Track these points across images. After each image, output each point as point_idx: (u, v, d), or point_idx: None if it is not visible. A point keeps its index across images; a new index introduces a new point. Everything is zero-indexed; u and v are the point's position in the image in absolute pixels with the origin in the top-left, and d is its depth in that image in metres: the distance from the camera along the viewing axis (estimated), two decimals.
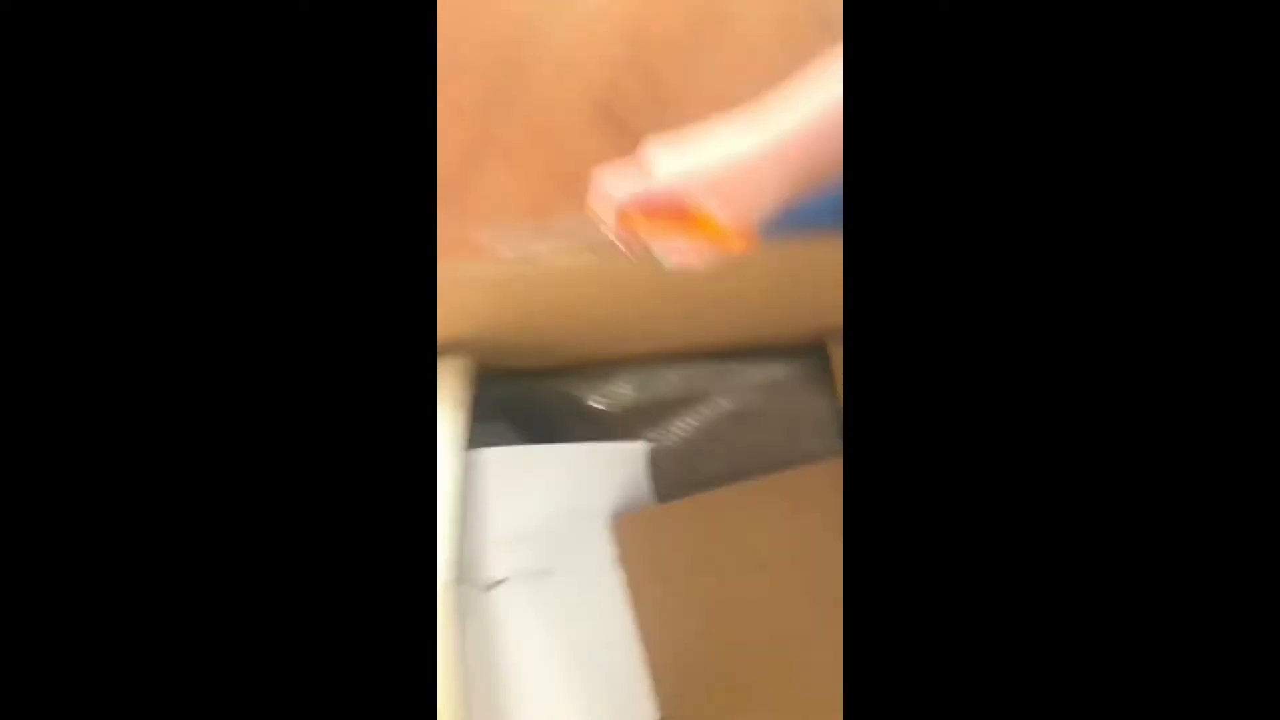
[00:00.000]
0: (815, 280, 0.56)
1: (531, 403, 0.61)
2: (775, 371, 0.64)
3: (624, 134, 1.02)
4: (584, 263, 0.53)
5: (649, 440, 0.61)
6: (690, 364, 0.64)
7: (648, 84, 1.01)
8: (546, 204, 1.05)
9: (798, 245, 0.54)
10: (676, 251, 0.49)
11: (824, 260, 0.50)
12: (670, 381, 0.63)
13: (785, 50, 1.02)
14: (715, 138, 0.47)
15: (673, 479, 0.61)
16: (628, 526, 0.56)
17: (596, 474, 0.56)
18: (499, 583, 0.50)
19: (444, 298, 0.46)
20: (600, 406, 0.62)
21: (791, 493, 0.59)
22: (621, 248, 0.49)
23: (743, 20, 1.02)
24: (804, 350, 0.64)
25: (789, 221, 0.50)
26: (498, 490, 0.52)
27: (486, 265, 0.53)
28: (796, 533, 0.58)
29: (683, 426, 0.63)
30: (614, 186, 0.47)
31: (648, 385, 0.63)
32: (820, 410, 0.64)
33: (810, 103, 0.47)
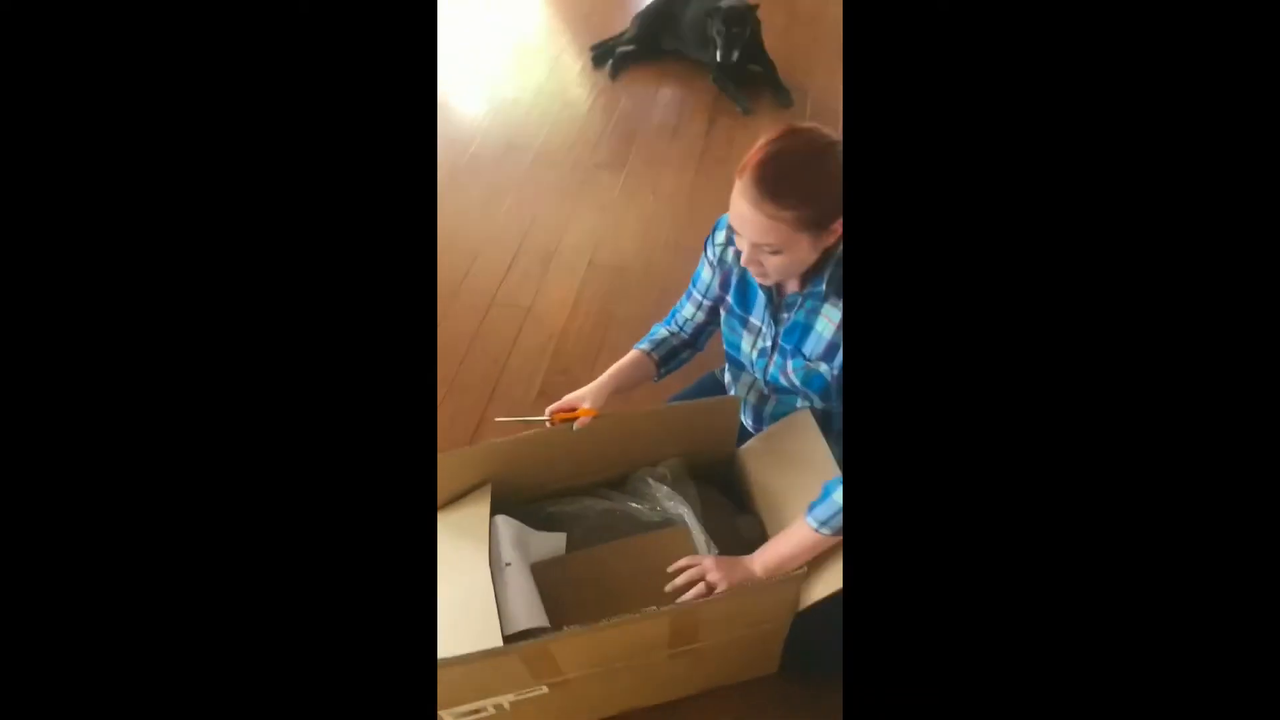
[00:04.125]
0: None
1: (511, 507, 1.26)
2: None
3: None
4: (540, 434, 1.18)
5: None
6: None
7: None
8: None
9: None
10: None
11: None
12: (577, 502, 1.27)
13: None
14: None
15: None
16: (540, 566, 1.16)
17: (542, 543, 1.21)
18: (508, 564, 1.11)
19: (481, 458, 1.18)
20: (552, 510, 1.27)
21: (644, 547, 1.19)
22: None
23: None
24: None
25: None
26: (504, 532, 1.16)
27: (497, 443, 1.17)
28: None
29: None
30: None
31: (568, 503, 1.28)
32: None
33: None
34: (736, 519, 1.24)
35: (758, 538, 1.15)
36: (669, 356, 1.29)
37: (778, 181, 0.92)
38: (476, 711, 1.04)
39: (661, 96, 2.80)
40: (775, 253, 0.97)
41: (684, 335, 1.29)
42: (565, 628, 0.93)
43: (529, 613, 1.04)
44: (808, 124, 0.97)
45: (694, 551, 1.15)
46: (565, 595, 1.11)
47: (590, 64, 2.95)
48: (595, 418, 1.14)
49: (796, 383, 1.15)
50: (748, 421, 1.34)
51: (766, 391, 1.26)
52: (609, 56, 2.92)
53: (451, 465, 1.16)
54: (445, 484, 1.18)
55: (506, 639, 0.97)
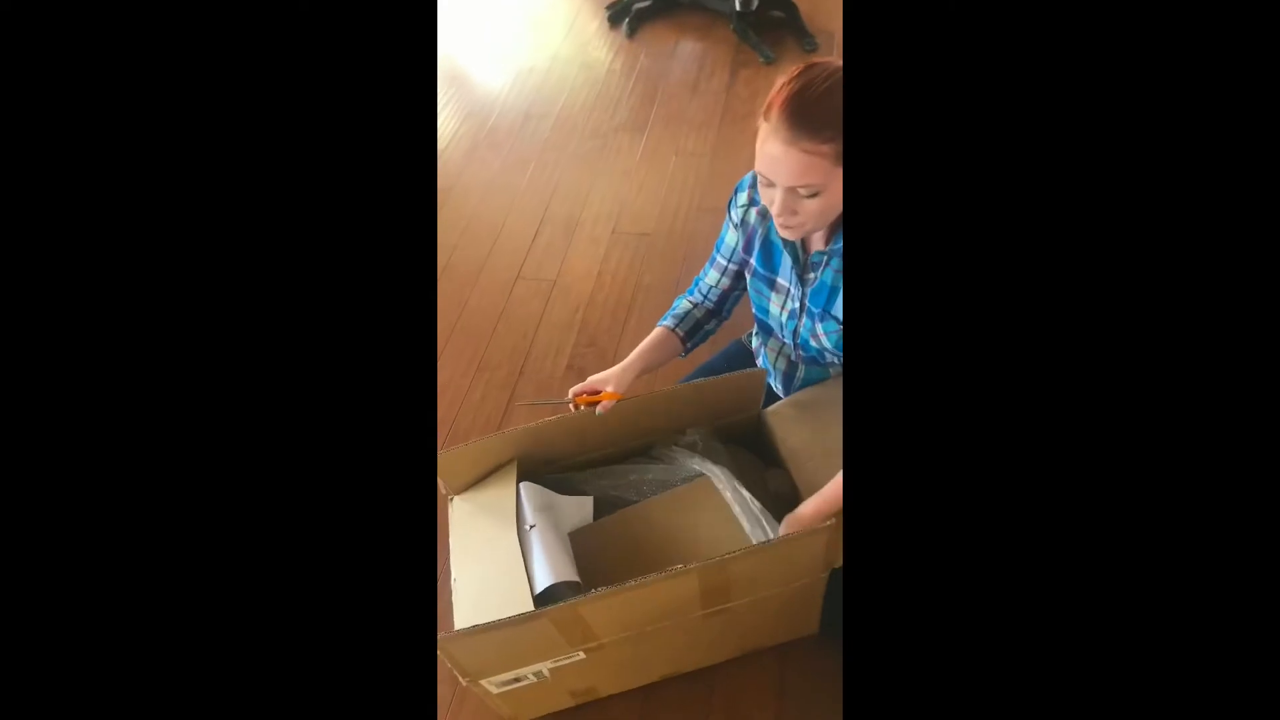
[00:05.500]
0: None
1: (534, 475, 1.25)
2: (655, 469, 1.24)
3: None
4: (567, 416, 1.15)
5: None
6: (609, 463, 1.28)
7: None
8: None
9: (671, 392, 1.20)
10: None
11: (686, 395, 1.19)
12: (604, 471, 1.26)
13: None
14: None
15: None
16: (576, 535, 1.17)
17: (569, 507, 1.21)
18: (532, 526, 1.11)
19: (514, 437, 1.16)
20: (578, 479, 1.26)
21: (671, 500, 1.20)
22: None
23: None
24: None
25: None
26: (528, 497, 1.16)
27: (528, 427, 1.16)
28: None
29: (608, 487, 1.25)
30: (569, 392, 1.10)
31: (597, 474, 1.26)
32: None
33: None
34: (765, 473, 1.24)
35: (787, 490, 1.16)
36: (694, 329, 1.26)
37: (810, 113, 0.86)
38: (517, 680, 1.06)
39: (680, 51, 2.72)
40: (813, 195, 0.91)
41: (708, 304, 1.26)
42: (593, 590, 0.93)
43: (555, 569, 1.04)
44: (824, 58, 0.91)
45: (721, 501, 1.14)
46: (600, 562, 1.12)
47: (606, 23, 2.87)
48: (619, 401, 1.13)
49: (829, 346, 1.12)
50: (777, 387, 1.31)
51: (795, 357, 1.22)
52: (625, 14, 2.84)
53: (474, 453, 1.16)
54: (470, 470, 1.19)
55: (536, 597, 0.98)
